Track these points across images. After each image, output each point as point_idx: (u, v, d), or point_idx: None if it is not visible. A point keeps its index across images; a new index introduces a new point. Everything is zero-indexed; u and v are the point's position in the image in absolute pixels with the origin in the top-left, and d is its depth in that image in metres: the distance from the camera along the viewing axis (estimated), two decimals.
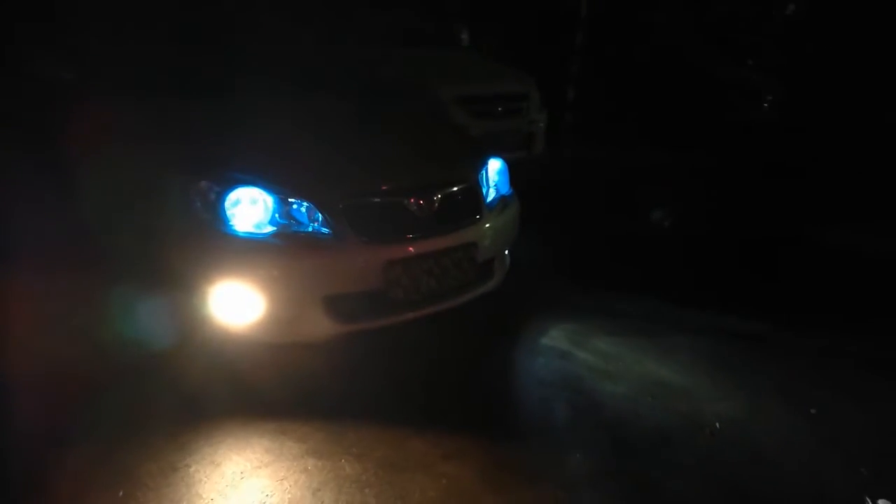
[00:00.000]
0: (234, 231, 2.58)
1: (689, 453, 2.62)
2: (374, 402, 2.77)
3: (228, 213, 2.58)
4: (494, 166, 3.33)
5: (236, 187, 2.59)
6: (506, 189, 3.34)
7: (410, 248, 2.77)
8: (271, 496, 2.23)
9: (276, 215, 2.63)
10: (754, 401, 2.99)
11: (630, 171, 6.86)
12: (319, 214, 2.65)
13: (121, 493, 2.18)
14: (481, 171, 3.20)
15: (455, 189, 2.98)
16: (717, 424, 2.79)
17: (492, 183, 3.27)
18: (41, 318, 2.92)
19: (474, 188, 3.09)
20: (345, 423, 2.61)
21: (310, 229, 2.65)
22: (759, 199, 6.19)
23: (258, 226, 2.61)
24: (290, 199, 2.64)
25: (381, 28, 5.60)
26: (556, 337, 3.44)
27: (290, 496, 2.23)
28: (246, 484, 2.28)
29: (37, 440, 2.40)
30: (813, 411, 2.93)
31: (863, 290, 4.37)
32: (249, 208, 2.61)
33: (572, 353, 3.29)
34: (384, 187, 2.79)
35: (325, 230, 2.65)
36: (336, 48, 4.31)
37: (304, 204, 2.65)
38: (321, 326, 2.67)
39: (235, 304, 2.61)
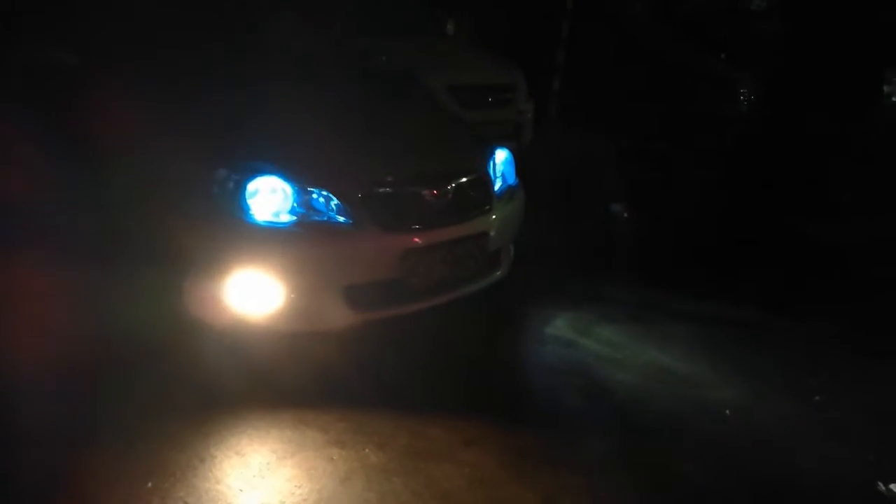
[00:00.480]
0: (254, 220, 2.56)
1: (702, 439, 2.69)
2: (391, 391, 2.77)
3: (248, 201, 2.56)
4: (501, 156, 3.34)
5: (256, 176, 2.57)
6: (512, 179, 3.37)
7: (427, 238, 2.78)
8: (300, 486, 2.22)
9: (296, 204, 2.61)
10: (757, 388, 3.07)
11: (599, 159, 6.91)
12: (339, 203, 2.64)
13: (149, 485, 2.16)
14: (489, 160, 3.22)
15: (467, 179, 2.99)
16: (727, 411, 2.86)
17: (499, 173, 3.28)
18: (58, 308, 2.85)
19: (484, 178, 3.10)
20: (364, 411, 2.61)
21: (329, 218, 2.64)
22: (735, 191, 6.31)
23: (277, 214, 2.59)
24: (309, 189, 2.62)
25: (367, 17, 5.53)
26: (559, 326, 3.49)
27: (319, 486, 2.23)
28: (273, 474, 2.27)
29: (60, 431, 2.36)
30: (817, 398, 3.02)
31: (843, 278, 4.51)
32: (269, 197, 2.59)
33: (577, 341, 3.34)
34: (401, 177, 2.79)
35: (343, 219, 2.64)
36: (325, 38, 4.26)
37: (324, 193, 2.63)
38: (341, 315, 2.67)
39: (255, 294, 2.59)
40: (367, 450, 2.42)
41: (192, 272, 2.58)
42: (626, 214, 5.25)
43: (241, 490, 2.19)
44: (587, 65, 6.99)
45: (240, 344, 2.74)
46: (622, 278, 4.15)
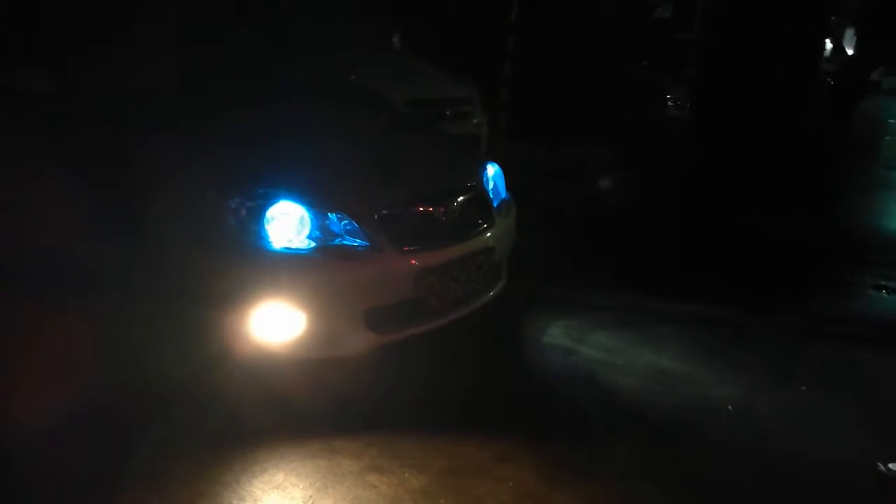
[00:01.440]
0: (273, 247, 2.50)
1: (713, 436, 2.81)
2: (413, 412, 2.76)
3: (266, 228, 2.50)
4: (492, 171, 3.39)
5: (273, 202, 2.51)
6: (504, 192, 3.41)
7: (440, 256, 2.79)
8: None
9: (313, 229, 2.56)
10: (750, 383, 3.23)
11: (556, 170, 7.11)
12: (355, 226, 2.61)
13: None
14: (484, 175, 3.26)
15: (471, 195, 3.02)
16: (730, 407, 3.00)
17: (493, 187, 3.33)
18: (77, 348, 2.68)
19: (484, 193, 3.14)
20: (392, 435, 2.59)
21: (346, 242, 2.61)
22: (684, 193, 6.60)
23: (294, 240, 2.54)
24: (325, 213, 2.59)
25: (320, 33, 5.48)
26: (555, 335, 3.56)
27: None
28: None
29: (94, 473, 2.25)
30: (803, 388, 3.20)
31: (799, 271, 4.80)
32: (286, 223, 2.54)
33: (576, 349, 3.42)
34: (413, 196, 2.80)
35: (360, 242, 2.62)
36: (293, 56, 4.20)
37: (340, 216, 2.60)
38: (362, 339, 2.65)
39: (276, 322, 2.53)
40: (406, 473, 2.40)
41: (212, 303, 2.49)
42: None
43: None
44: (530, 77, 7.15)
45: (261, 373, 2.66)
46: (600, 284, 4.27)
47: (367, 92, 3.92)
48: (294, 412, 2.64)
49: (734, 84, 5.93)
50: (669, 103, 8.54)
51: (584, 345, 3.47)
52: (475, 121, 5.73)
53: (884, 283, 4.71)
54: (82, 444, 2.36)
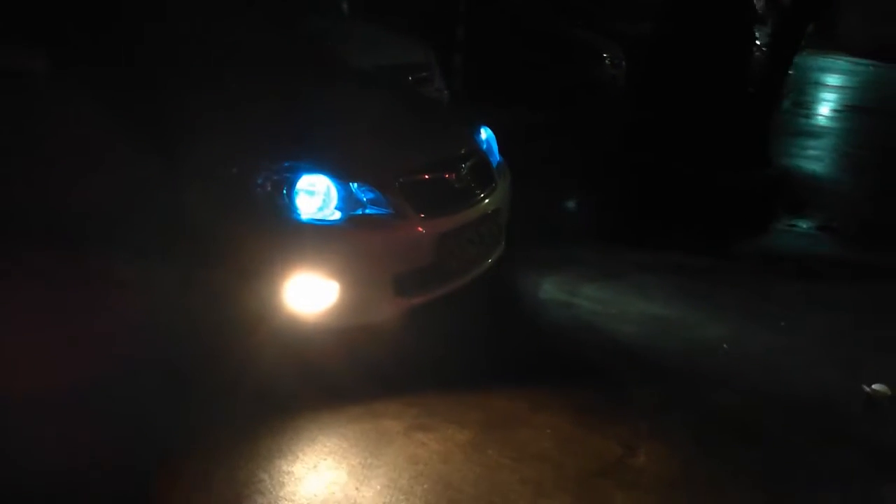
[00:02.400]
0: (304, 218, 2.52)
1: (716, 372, 3.04)
2: (440, 371, 2.85)
3: (295, 201, 2.51)
4: (485, 134, 3.47)
5: (302, 174, 2.52)
6: (498, 155, 3.50)
7: (458, 220, 2.86)
8: (409, 473, 2.27)
9: (339, 200, 2.59)
10: (734, 322, 3.49)
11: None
12: (378, 195, 2.65)
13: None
14: (480, 139, 3.34)
15: (475, 159, 3.09)
16: (725, 345, 3.24)
17: (490, 150, 3.41)
18: (106, 317, 2.64)
19: (484, 156, 3.22)
20: (426, 395, 2.68)
21: (370, 211, 2.65)
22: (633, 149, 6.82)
23: (323, 211, 2.56)
24: (350, 182, 2.61)
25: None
26: (550, 290, 3.71)
27: (426, 470, 2.29)
28: (378, 467, 2.29)
29: (141, 439, 2.30)
30: (783, 324, 3.49)
31: (755, 217, 5.13)
32: (314, 194, 2.55)
33: (572, 302, 3.59)
34: (427, 162, 2.85)
35: (385, 210, 2.66)
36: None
37: (364, 186, 2.63)
38: (391, 305, 2.71)
39: (308, 292, 2.55)
40: (449, 430, 2.51)
41: (245, 275, 2.49)
42: None
43: (357, 489, 2.20)
44: (480, 40, 7.19)
45: (293, 342, 2.69)
46: (574, 240, 4.45)
47: (342, 60, 3.89)
48: (328, 379, 2.68)
49: (679, 43, 6.11)
50: (607, 62, 8.74)
51: (579, 297, 3.63)
52: (435, 86, 5.75)
53: (826, 223, 5.10)
54: (124, 418, 2.37)
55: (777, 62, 5.83)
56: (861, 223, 5.27)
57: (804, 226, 5.09)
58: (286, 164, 2.53)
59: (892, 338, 3.41)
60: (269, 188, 2.51)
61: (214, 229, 2.52)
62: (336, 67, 3.53)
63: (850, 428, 2.71)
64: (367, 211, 2.63)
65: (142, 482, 2.18)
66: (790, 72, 5.90)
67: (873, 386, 2.93)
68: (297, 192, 2.52)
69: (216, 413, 2.45)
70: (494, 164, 3.34)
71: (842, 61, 16.26)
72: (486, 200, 3.04)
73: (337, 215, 2.57)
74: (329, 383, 2.67)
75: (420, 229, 2.72)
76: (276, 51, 3.35)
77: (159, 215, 2.48)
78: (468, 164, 3.03)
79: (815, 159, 7.19)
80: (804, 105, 10.23)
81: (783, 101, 6.11)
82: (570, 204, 5.24)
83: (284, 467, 2.28)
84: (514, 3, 8.91)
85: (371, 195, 2.65)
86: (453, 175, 2.91)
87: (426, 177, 2.82)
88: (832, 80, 13.65)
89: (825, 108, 10.52)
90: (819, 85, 12.76)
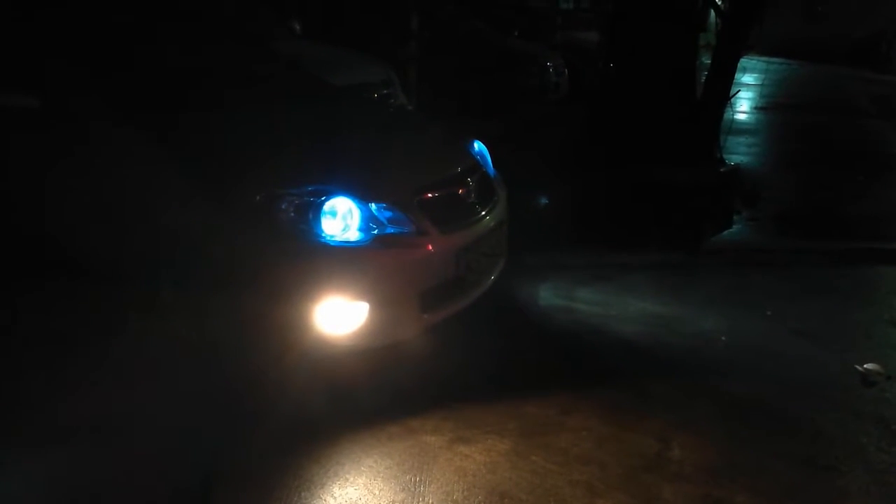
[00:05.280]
0: (329, 241, 2.51)
1: (721, 363, 3.18)
2: (467, 384, 2.88)
3: (321, 224, 2.50)
4: (478, 147, 3.53)
5: (325, 199, 2.51)
6: (492, 168, 3.57)
7: (472, 234, 2.91)
8: (460, 486, 2.29)
9: (362, 220, 2.60)
10: (725, 314, 3.65)
11: None
12: (399, 214, 2.67)
13: None
14: (476, 153, 3.40)
15: (478, 173, 3.15)
16: (723, 338, 3.39)
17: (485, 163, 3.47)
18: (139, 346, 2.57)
19: (484, 170, 3.28)
20: (458, 408, 2.71)
21: (390, 230, 2.66)
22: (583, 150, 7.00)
23: (344, 232, 2.57)
24: (370, 203, 2.62)
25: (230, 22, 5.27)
26: (548, 297, 3.81)
27: (475, 482, 2.31)
28: (429, 483, 2.31)
29: (183, 465, 2.27)
30: (769, 313, 3.67)
31: (718, 212, 5.35)
32: (336, 216, 2.55)
33: (572, 306, 3.69)
34: (439, 179, 2.89)
35: (405, 228, 2.68)
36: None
37: (384, 205, 2.65)
38: (418, 322, 2.73)
39: (338, 314, 2.55)
40: (490, 440, 2.54)
41: (272, 299, 2.46)
42: None
43: None
44: (427, 56, 7.26)
45: (320, 364, 2.67)
46: (555, 247, 4.55)
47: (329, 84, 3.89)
48: (360, 399, 2.69)
49: (627, 49, 6.32)
50: (550, 70, 8.98)
51: (577, 302, 3.73)
52: (399, 102, 5.79)
53: (781, 214, 5.39)
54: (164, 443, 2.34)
55: (723, 63, 6.12)
56: (814, 212, 5.58)
57: (763, 217, 5.36)
58: (309, 188, 2.52)
59: (872, 319, 3.64)
60: (292, 213, 2.50)
61: (240, 256, 2.48)
62: (332, 90, 3.53)
63: (859, 404, 2.87)
64: (388, 230, 2.65)
65: None
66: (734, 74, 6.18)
67: (865, 365, 3.12)
68: (321, 215, 2.52)
69: (259, 441, 2.44)
70: (492, 177, 3.40)
71: (755, 60, 17.11)
72: (492, 213, 3.09)
73: (359, 236, 2.58)
74: (362, 403, 2.67)
75: (441, 245, 2.75)
76: (269, 77, 3.32)
77: (184, 246, 2.44)
78: (474, 178, 3.08)
79: (755, 155, 7.56)
80: (733, 104, 10.72)
81: (730, 101, 6.36)
82: (542, 209, 5.34)
83: (337, 492, 2.27)
84: (458, 19, 9.07)
85: (390, 214, 2.67)
86: (464, 190, 2.96)
87: (441, 193, 2.85)
88: (749, 78, 14.35)
89: (751, 106, 11.07)
90: (740, 84, 13.38)
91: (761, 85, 13.68)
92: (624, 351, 3.25)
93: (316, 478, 2.31)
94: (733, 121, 9.27)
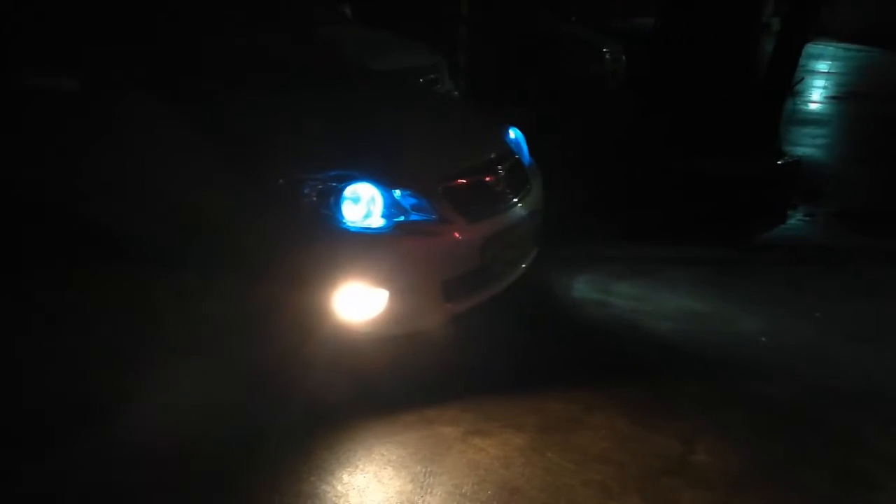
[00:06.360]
0: (350, 227, 2.50)
1: (761, 366, 3.03)
2: (490, 376, 2.83)
3: (342, 209, 2.49)
4: (513, 135, 3.45)
5: (347, 184, 2.50)
6: (528, 156, 3.48)
7: (500, 223, 2.85)
8: (471, 480, 2.25)
9: (386, 207, 2.57)
10: (768, 314, 3.48)
11: None
12: (423, 201, 2.63)
13: None
14: (510, 140, 3.32)
15: (510, 161, 3.08)
16: (763, 339, 3.23)
17: (520, 150, 3.39)
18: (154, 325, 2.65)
19: (517, 158, 3.21)
20: (479, 400, 2.66)
21: (414, 217, 2.63)
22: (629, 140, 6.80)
23: (367, 219, 2.55)
24: (394, 190, 2.59)
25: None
26: (582, 289, 3.71)
27: (486, 476, 2.26)
28: (439, 474, 2.27)
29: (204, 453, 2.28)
30: (818, 315, 3.49)
31: (773, 207, 5.13)
32: (359, 202, 2.53)
33: (608, 300, 3.58)
34: (467, 166, 2.83)
35: (430, 216, 2.64)
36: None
37: (408, 192, 2.61)
38: (440, 311, 2.70)
39: (359, 301, 2.53)
40: (506, 434, 2.49)
41: (292, 285, 2.46)
42: None
43: (422, 497, 2.18)
44: (481, 41, 7.17)
45: (341, 351, 2.67)
46: (596, 236, 4.43)
47: (366, 67, 3.87)
48: (379, 387, 2.67)
49: (686, 34, 6.09)
50: (607, 57, 8.75)
51: (613, 296, 3.63)
52: (445, 88, 5.74)
53: (846, 211, 5.12)
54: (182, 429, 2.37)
55: (787, 49, 5.83)
56: (882, 210, 5.28)
57: (823, 214, 5.10)
58: (332, 174, 2.51)
59: None
60: (314, 198, 2.49)
61: (262, 241, 2.49)
62: (365, 74, 3.51)
63: None
64: (412, 218, 2.61)
65: (202, 497, 2.16)
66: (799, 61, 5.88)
67: None
68: (343, 201, 2.50)
69: (274, 427, 2.43)
70: (526, 165, 3.32)
71: (831, 47, 16.32)
72: (523, 202, 3.02)
73: (381, 223, 2.55)
74: (380, 392, 2.66)
75: (465, 234, 2.70)
76: (301, 59, 3.32)
77: (206, 229, 2.46)
78: (505, 166, 3.01)
79: (823, 147, 7.21)
80: (800, 93, 10.25)
81: (794, 89, 6.06)
82: (585, 200, 5.20)
83: (346, 478, 2.25)
84: (513, 4, 8.92)
85: (414, 202, 2.63)
86: (493, 178, 2.90)
87: (467, 181, 2.80)
88: (824, 66, 13.71)
89: (823, 95, 10.57)
90: (812, 72, 12.81)
91: (836, 73, 13.04)
92: (656, 349, 3.14)
93: (326, 464, 2.31)
94: (800, 110, 8.91)
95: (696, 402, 2.73)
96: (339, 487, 2.21)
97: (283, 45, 3.38)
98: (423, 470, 2.30)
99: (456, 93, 5.90)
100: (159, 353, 2.62)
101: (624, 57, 8.91)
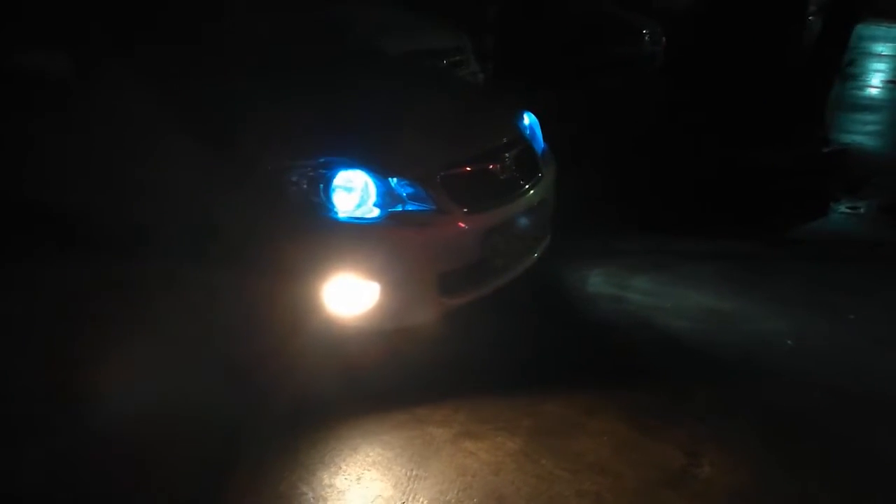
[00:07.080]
0: (341, 216, 2.39)
1: (782, 371, 2.84)
2: (487, 374, 2.71)
3: (333, 198, 2.39)
4: (527, 120, 3.29)
5: (338, 171, 2.39)
6: (542, 142, 3.32)
7: (503, 214, 2.71)
8: (457, 485, 2.14)
9: (378, 196, 2.45)
10: (796, 314, 3.28)
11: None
12: (420, 190, 2.51)
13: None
14: (523, 125, 3.17)
15: (519, 148, 2.93)
16: (788, 341, 3.03)
17: (533, 137, 3.23)
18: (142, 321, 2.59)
19: (528, 145, 3.05)
20: (473, 400, 2.55)
21: (410, 207, 2.51)
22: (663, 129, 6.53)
23: (360, 208, 2.43)
24: (389, 178, 2.47)
25: None
26: (597, 283, 3.54)
27: (474, 482, 2.16)
28: (425, 479, 2.17)
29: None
30: (852, 317, 3.26)
31: (806, 199, 4.85)
32: (351, 191, 2.42)
33: (623, 296, 3.41)
34: (469, 155, 2.69)
35: (426, 206, 2.52)
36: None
37: (404, 181, 2.49)
38: (436, 306, 2.58)
39: (349, 294, 2.43)
40: (499, 437, 2.37)
41: (281, 276, 2.37)
42: None
43: (404, 502, 2.08)
44: (508, 23, 6.97)
45: (332, 346, 2.57)
46: (616, 228, 4.24)
47: (373, 48, 3.73)
48: (369, 384, 2.56)
49: (726, 15, 5.81)
50: (646, 38, 8.45)
51: (629, 291, 3.46)
52: (470, 69, 5.57)
53: (891, 204, 4.80)
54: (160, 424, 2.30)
55: (835, 29, 5.49)
56: None
57: (868, 207, 4.81)
58: (321, 160, 2.40)
59: None
60: (304, 185, 2.39)
61: (249, 231, 2.40)
62: (369, 55, 3.38)
63: None
64: (408, 207, 2.49)
65: (180, 496, 2.10)
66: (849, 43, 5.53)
67: None
68: (333, 189, 2.40)
69: (256, 422, 2.35)
70: (539, 152, 3.16)
71: (886, 28, 15.49)
72: (532, 191, 2.87)
73: (376, 212, 2.44)
74: (371, 388, 2.55)
75: (464, 225, 2.58)
76: (304, 40, 3.21)
77: (192, 216, 2.38)
78: (512, 153, 2.86)
79: (874, 135, 6.82)
80: (855, 76, 9.76)
81: (844, 72, 5.71)
82: (607, 189, 4.99)
83: (326, 480, 2.17)
84: None
85: (411, 191, 2.51)
86: (497, 166, 2.76)
87: (469, 169, 2.66)
88: (882, 48, 13.03)
89: (879, 80, 10.03)
90: (868, 54, 12.19)
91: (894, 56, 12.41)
92: (670, 349, 2.97)
93: (308, 462, 2.22)
94: (852, 95, 8.47)
95: (704, 409, 2.56)
96: (318, 489, 2.13)
97: (282, 26, 3.25)
98: (409, 473, 2.20)
99: (482, 75, 5.73)
100: (140, 346, 2.56)
101: (664, 39, 8.58)
